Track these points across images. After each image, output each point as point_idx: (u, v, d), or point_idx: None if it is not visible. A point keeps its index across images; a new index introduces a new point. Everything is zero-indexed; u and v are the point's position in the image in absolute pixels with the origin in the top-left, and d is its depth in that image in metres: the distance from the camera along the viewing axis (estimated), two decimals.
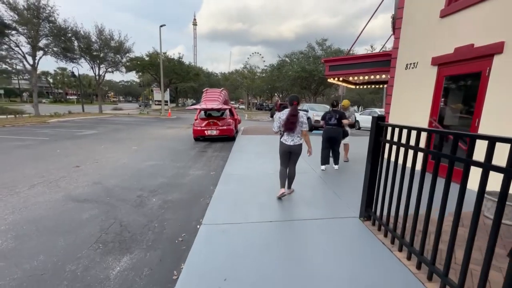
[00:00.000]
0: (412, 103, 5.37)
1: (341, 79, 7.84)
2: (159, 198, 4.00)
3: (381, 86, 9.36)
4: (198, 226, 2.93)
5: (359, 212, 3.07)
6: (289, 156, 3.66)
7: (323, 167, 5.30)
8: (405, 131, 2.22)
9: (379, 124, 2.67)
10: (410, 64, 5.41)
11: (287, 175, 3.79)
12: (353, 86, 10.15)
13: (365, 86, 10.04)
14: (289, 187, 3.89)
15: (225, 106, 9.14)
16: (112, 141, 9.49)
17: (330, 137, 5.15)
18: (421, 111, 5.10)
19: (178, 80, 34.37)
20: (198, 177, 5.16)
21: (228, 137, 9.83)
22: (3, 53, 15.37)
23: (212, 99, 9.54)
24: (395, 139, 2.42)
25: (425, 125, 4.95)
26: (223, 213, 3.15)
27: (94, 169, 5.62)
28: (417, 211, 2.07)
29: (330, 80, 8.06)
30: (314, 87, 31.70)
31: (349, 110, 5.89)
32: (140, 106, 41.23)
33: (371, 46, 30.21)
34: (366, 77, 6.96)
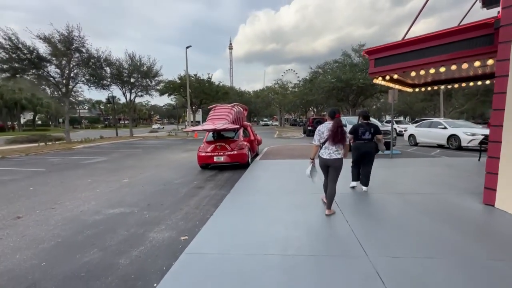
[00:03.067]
0: None
1: (395, 76, 5.20)
2: None
3: (460, 84, 6.32)
4: None
5: None
6: (327, 170, 3.60)
7: (353, 183, 4.82)
8: None
9: None
10: None
11: (327, 194, 3.62)
12: (409, 89, 7.27)
13: (429, 88, 7.08)
14: (329, 207, 3.57)
15: (231, 126, 7.11)
16: (109, 171, 8.17)
17: (365, 152, 4.49)
18: None
19: (208, 99, 34.25)
20: (154, 250, 3.05)
21: (239, 164, 7.72)
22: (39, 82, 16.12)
23: (219, 117, 7.64)
24: None
25: None
26: None
27: (30, 224, 3.97)
28: None
29: (377, 81, 5.48)
30: (352, 98, 28.21)
31: None
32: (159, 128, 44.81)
33: None
34: (442, 70, 4.26)
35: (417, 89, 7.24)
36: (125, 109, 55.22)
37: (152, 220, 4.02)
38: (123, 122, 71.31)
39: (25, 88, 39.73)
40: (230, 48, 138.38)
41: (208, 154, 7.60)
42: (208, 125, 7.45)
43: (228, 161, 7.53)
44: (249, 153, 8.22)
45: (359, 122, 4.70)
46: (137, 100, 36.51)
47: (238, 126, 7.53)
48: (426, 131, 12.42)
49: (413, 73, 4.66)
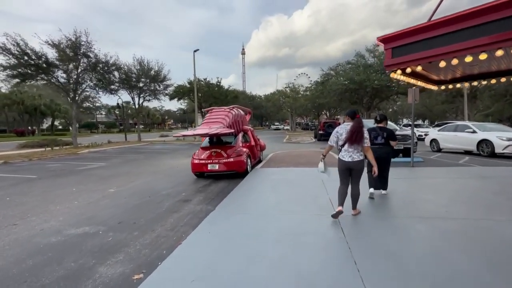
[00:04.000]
0: None
1: (418, 69, 4.22)
2: None
3: (499, 79, 5.20)
4: None
5: None
6: (349, 173, 3.40)
7: (371, 190, 4.33)
8: None
9: None
10: None
11: (351, 196, 3.45)
12: (433, 87, 6.20)
13: (458, 85, 5.99)
14: (354, 208, 3.53)
15: (226, 130, 6.35)
16: (101, 178, 7.65)
17: (377, 157, 3.88)
18: None
19: (217, 103, 33.97)
20: None
21: (237, 173, 6.94)
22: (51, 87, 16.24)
23: (215, 121, 6.91)
24: None
25: None
26: None
27: None
28: None
29: (395, 75, 4.53)
30: (366, 100, 26.75)
31: None
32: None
33: None
34: (483, 57, 3.27)
35: (443, 87, 6.14)
36: (135, 113, 56.57)
37: (113, 245, 3.28)
38: (137, 126, 72.73)
39: (44, 94, 41.38)
40: (243, 53, 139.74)
41: (202, 161, 6.88)
42: (201, 129, 6.75)
43: (224, 169, 6.76)
44: (249, 160, 7.42)
45: (373, 126, 4.58)
46: (150, 105, 36.72)
47: (233, 131, 6.76)
48: (451, 136, 11.07)
49: (442, 63, 3.68)
